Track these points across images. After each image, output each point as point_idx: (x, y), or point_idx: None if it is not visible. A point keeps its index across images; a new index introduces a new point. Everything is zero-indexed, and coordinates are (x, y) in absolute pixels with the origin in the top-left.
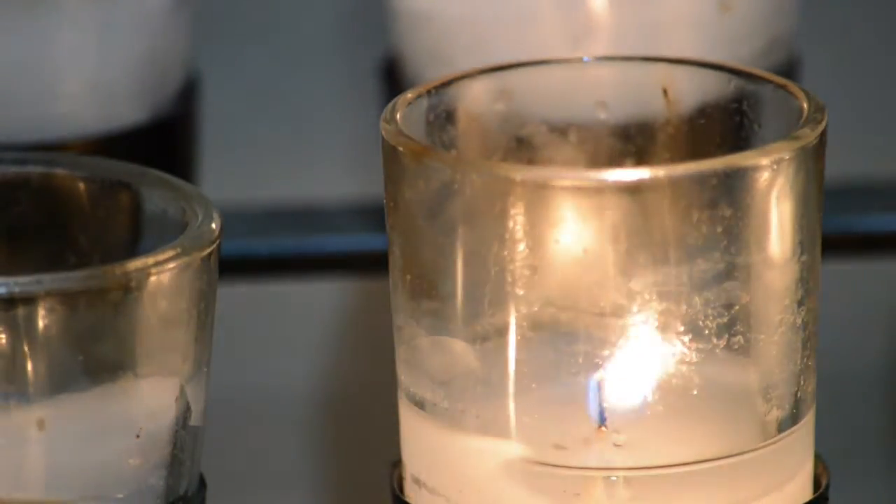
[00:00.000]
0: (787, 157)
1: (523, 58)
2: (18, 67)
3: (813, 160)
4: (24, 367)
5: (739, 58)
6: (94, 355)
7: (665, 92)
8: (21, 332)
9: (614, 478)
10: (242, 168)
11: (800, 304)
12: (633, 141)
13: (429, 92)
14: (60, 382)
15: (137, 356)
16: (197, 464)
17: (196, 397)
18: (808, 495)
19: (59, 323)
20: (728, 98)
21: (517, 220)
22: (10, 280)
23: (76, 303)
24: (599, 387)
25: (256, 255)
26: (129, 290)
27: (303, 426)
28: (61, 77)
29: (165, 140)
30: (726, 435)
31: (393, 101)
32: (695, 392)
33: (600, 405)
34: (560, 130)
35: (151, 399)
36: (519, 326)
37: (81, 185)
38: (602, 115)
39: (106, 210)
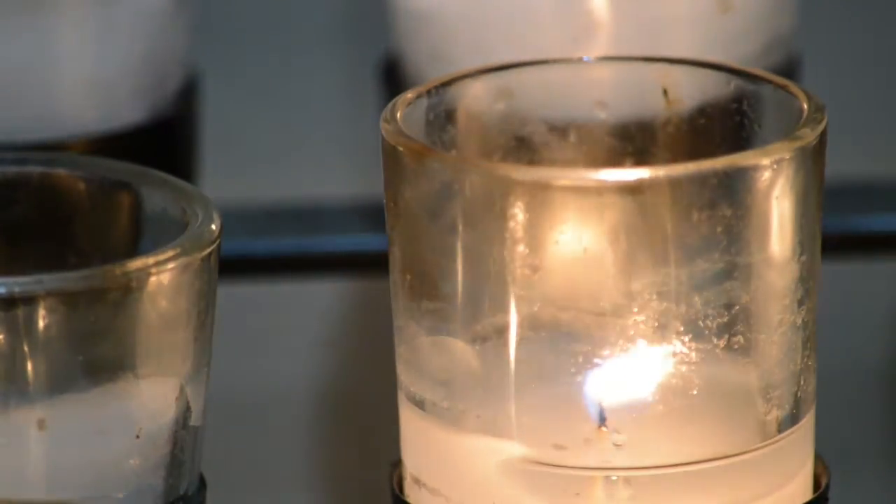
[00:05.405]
0: (788, 157)
1: (523, 58)
2: (18, 67)
3: (813, 160)
4: (24, 367)
5: (739, 58)
6: (94, 355)
7: (665, 92)
8: (21, 332)
9: (614, 478)
10: (242, 168)
11: (800, 304)
12: (633, 141)
13: (429, 92)
14: (60, 382)
15: (137, 356)
16: (197, 464)
17: (196, 397)
18: (808, 495)
19: (59, 323)
20: (728, 98)
21: (517, 220)
22: (10, 280)
23: (76, 303)
24: (599, 387)
25: (256, 255)
26: (129, 290)
27: (303, 426)
28: (61, 77)
29: (165, 140)
30: (726, 435)
31: (393, 101)
32: (695, 392)
33: (600, 405)
34: (560, 130)
35: (151, 399)
36: (519, 326)
37: (81, 185)
38: (602, 115)
39: (106, 210)
